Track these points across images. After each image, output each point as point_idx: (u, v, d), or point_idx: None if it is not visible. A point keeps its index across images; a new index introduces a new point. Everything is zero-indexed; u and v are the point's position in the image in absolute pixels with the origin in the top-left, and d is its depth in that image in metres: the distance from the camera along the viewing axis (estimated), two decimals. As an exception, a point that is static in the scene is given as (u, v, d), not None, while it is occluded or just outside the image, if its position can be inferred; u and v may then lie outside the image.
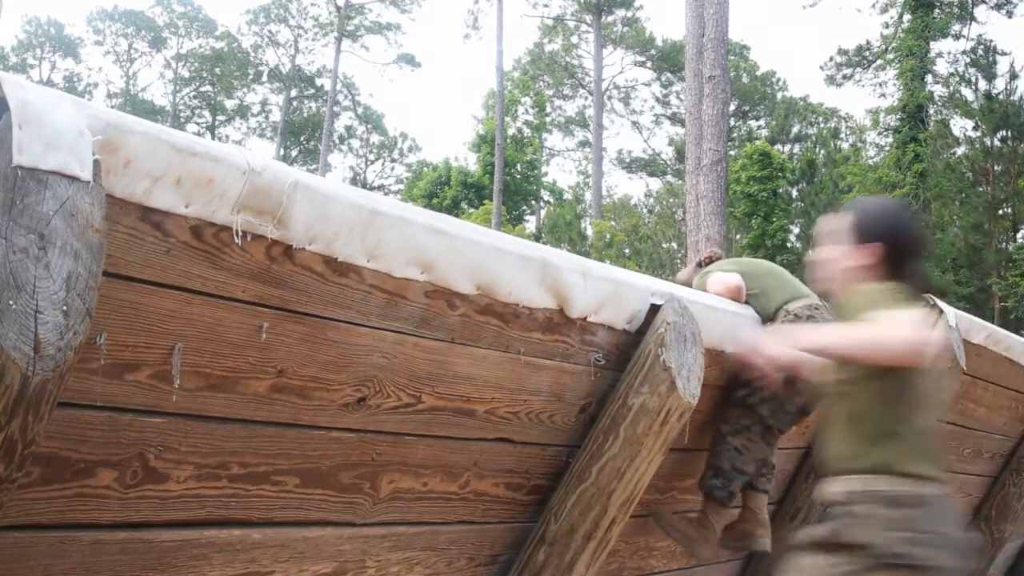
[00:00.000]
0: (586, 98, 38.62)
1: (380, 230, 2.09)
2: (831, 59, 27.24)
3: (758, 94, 36.43)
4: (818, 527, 2.04)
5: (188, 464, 2.01)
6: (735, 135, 33.54)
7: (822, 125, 34.40)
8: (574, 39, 38.04)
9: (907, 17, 22.12)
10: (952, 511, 2.07)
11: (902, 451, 2.01)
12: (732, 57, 28.37)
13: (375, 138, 44.18)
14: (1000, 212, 25.57)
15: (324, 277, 2.04)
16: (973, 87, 25.47)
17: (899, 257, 2.18)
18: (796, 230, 29.42)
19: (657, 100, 39.35)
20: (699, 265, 3.78)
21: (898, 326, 1.97)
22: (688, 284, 3.71)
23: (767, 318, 3.36)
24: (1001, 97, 24.82)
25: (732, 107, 27.94)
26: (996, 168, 25.27)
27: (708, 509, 3.32)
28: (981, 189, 25.48)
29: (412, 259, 2.19)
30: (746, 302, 3.43)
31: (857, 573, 1.91)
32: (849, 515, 1.98)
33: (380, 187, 43.46)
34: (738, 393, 3.26)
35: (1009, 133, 24.81)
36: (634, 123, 41.33)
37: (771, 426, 3.29)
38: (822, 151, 31.52)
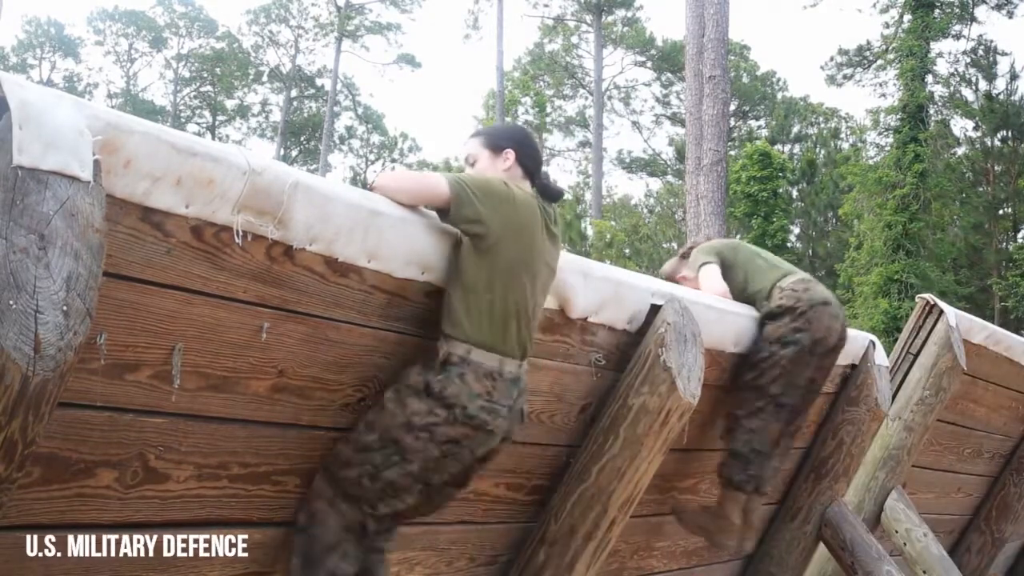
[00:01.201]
0: (586, 98, 38.54)
1: (380, 230, 2.09)
2: (831, 59, 27.18)
3: (758, 94, 36.34)
4: (424, 377, 2.21)
5: (188, 464, 2.00)
6: (735, 135, 33.50)
7: (822, 125, 34.33)
8: (574, 39, 37.98)
9: (907, 17, 22.06)
10: (518, 385, 2.30)
11: (487, 323, 2.22)
12: (732, 57, 28.35)
13: (375, 138, 44.07)
14: (1000, 212, 25.56)
15: (324, 277, 2.04)
16: (973, 87, 25.46)
17: (527, 159, 2.49)
18: (796, 230, 29.40)
19: (657, 100, 39.26)
20: (682, 257, 3.81)
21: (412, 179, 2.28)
22: (672, 275, 3.76)
23: (761, 299, 3.38)
24: (1001, 97, 24.80)
25: (732, 107, 27.90)
26: (996, 168, 25.26)
27: (725, 498, 3.31)
28: (981, 189, 25.47)
29: (412, 259, 2.19)
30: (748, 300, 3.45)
31: (447, 424, 2.17)
32: (455, 376, 2.20)
33: (380, 187, 43.25)
34: (747, 376, 3.29)
35: (1009, 133, 24.79)
36: (634, 123, 41.10)
37: (783, 404, 3.29)
38: (822, 151, 31.49)
